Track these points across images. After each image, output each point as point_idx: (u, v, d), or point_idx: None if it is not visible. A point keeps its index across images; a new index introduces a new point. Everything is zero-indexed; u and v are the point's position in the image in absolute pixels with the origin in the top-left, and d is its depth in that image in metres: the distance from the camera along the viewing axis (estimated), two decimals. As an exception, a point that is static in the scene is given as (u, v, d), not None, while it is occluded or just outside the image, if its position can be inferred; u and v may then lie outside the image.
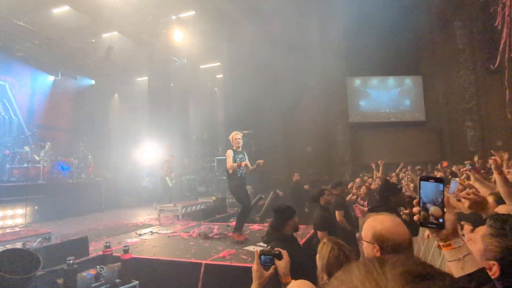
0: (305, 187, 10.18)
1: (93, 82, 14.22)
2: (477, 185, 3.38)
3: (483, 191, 3.23)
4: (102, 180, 10.20)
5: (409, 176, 6.63)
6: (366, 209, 5.51)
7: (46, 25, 11.00)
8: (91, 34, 12.40)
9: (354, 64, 15.48)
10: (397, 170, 8.89)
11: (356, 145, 15.47)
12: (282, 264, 1.62)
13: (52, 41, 11.31)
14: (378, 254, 1.39)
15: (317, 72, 13.95)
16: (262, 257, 1.60)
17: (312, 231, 4.65)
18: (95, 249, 4.61)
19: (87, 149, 10.94)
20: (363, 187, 6.83)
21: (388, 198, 3.47)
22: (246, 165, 5.24)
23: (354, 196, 6.42)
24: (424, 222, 1.03)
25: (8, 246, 3.75)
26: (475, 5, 12.22)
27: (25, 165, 8.89)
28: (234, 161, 5.10)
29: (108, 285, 3.55)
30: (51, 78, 12.88)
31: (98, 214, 8.91)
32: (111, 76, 13.95)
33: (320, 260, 1.86)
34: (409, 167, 8.39)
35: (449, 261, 1.04)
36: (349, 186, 6.85)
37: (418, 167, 10.17)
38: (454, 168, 7.79)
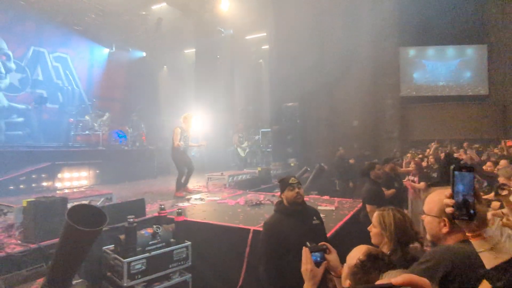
0: (350, 161, 9.98)
1: (144, 54, 14.76)
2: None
3: None
4: (154, 148, 10.81)
5: (467, 153, 6.20)
6: (418, 185, 5.29)
7: (101, -1, 11.47)
8: (141, 6, 12.72)
9: (409, 33, 14.30)
10: (448, 148, 8.34)
11: (406, 120, 14.63)
12: (332, 257, 1.56)
13: (106, 14, 11.82)
14: (446, 229, 1.34)
15: (367, 41, 13.11)
16: (313, 254, 1.53)
17: (360, 204, 4.59)
18: (150, 211, 4.95)
19: (140, 119, 11.57)
20: (412, 164, 6.54)
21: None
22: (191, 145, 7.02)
23: (408, 169, 6.18)
24: (457, 214, 0.99)
25: (79, 203, 4.18)
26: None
27: (87, 132, 9.69)
28: (181, 139, 6.64)
29: (163, 243, 3.81)
30: (106, 50, 13.59)
31: (151, 180, 9.53)
32: (161, 48, 14.36)
33: (384, 230, 1.82)
34: (465, 144, 7.81)
35: (479, 252, 1.01)
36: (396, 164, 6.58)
37: (477, 145, 9.45)
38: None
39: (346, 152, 10.74)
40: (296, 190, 2.70)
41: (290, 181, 2.75)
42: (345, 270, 1.38)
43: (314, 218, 2.80)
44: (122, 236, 3.61)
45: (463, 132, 12.50)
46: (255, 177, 8.21)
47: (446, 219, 1.32)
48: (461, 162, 3.53)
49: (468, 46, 15.27)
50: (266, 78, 14.86)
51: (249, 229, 3.91)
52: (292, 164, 11.19)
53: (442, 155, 6.66)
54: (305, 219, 2.73)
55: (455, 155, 6.03)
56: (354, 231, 4.11)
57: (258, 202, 5.42)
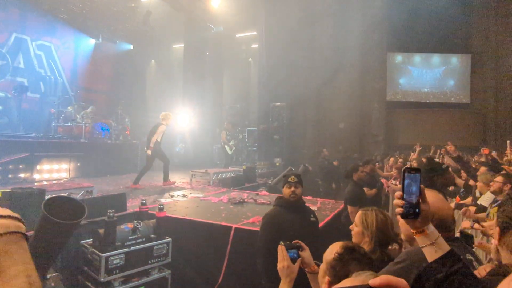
0: (334, 163, 10.08)
1: (131, 47, 14.50)
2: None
3: None
4: (138, 143, 10.64)
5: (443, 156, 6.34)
6: (395, 187, 5.39)
7: (89, -13, 11.20)
8: (130, -3, 12.50)
9: (397, 39, 14.60)
10: (431, 153, 8.52)
11: (391, 125, 14.92)
12: (306, 254, 1.63)
13: (94, 4, 11.54)
14: None
15: (356, 46, 13.31)
16: (289, 251, 1.59)
17: (342, 206, 4.64)
18: (131, 205, 4.87)
19: (124, 112, 11.37)
20: (394, 168, 6.66)
21: (432, 179, 3.31)
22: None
23: (390, 174, 6.29)
24: (405, 214, 1.04)
25: (57, 195, 4.07)
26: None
27: (69, 124, 9.44)
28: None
29: (143, 239, 3.76)
30: (92, 41, 13.28)
31: (134, 174, 9.32)
32: (149, 42, 14.13)
33: (365, 229, 1.84)
34: (443, 149, 7.97)
35: (422, 246, 1.06)
36: (378, 166, 6.70)
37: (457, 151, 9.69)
38: (493, 154, 7.35)
39: (331, 153, 10.85)
40: (293, 188, 2.91)
41: (289, 179, 2.96)
42: (322, 268, 1.40)
43: (312, 216, 3.04)
44: (101, 230, 3.54)
45: (445, 138, 12.75)
46: (239, 175, 8.20)
47: None
48: (443, 166, 3.61)
49: (452, 54, 15.69)
50: (255, 77, 14.86)
51: (231, 227, 3.90)
52: (277, 164, 11.24)
53: (424, 160, 6.81)
54: (303, 215, 2.96)
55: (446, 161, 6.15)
56: (335, 231, 4.15)
57: (241, 200, 5.41)
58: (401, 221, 1.46)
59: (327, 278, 1.28)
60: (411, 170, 1.04)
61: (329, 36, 12.67)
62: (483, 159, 6.75)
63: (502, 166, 4.49)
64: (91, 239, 3.63)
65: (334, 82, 13.66)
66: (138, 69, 14.53)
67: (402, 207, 1.04)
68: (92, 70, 13.16)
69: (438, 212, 1.38)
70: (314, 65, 12.97)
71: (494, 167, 4.44)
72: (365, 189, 4.58)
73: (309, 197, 6.14)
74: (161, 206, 4.03)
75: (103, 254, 3.28)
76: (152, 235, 3.86)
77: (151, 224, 3.94)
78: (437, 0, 12.46)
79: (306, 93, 13.08)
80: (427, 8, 12.60)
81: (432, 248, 1.04)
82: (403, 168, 1.06)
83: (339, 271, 1.24)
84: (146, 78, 15.37)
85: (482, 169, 4.26)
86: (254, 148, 13.07)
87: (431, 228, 1.06)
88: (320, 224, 4.15)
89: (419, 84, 15.89)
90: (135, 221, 3.81)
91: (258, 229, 3.86)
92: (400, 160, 7.92)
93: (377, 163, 7.37)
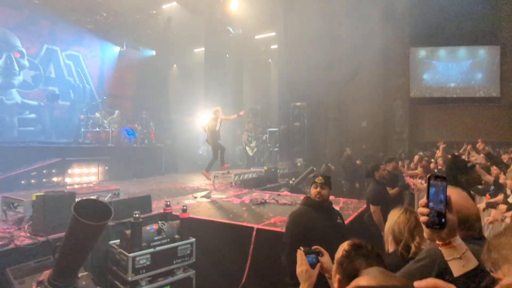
0: (358, 162, 9.93)
1: (154, 53, 14.91)
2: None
3: None
4: (162, 146, 10.92)
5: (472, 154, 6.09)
6: (420, 185, 5.25)
7: (112, -3, 11.64)
8: (152, 5, 12.86)
9: (419, 34, 14.11)
10: (461, 151, 8.18)
11: (416, 122, 14.47)
12: (325, 260, 1.62)
13: (117, 13, 11.99)
14: None
15: (378, 42, 12.99)
16: (308, 256, 1.60)
17: (365, 205, 4.58)
18: (156, 207, 5.01)
19: (149, 117, 11.71)
20: (419, 166, 6.47)
21: (456, 177, 3.19)
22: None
23: (415, 172, 6.13)
24: (430, 223, 1.00)
25: (85, 198, 4.27)
26: None
27: (97, 129, 9.84)
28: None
29: (168, 239, 3.85)
30: (117, 49, 13.77)
31: (159, 177, 9.64)
32: (170, 47, 14.49)
33: (388, 222, 1.86)
34: (469, 146, 7.64)
35: (448, 260, 1.02)
36: (403, 164, 6.52)
37: (486, 147, 9.29)
38: None
39: (354, 152, 10.69)
40: (318, 189, 2.92)
41: (316, 180, 2.97)
42: (334, 266, 1.41)
43: (338, 217, 3.04)
44: (128, 231, 3.66)
45: (474, 135, 12.27)
46: (261, 176, 8.24)
47: None
48: (468, 164, 3.46)
49: (480, 47, 15.00)
50: (275, 77, 14.87)
51: (253, 227, 3.94)
52: (299, 164, 11.18)
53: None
54: (330, 216, 2.97)
55: (472, 157, 5.91)
56: (358, 231, 4.10)
57: (263, 201, 5.45)
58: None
59: (337, 277, 1.30)
60: (436, 177, 1.01)
61: (349, 34, 12.47)
62: (514, 155, 6.45)
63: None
64: (119, 240, 3.76)
65: (356, 80, 13.43)
66: (161, 74, 14.92)
67: (427, 215, 1.01)
68: (117, 76, 13.66)
69: (461, 210, 1.35)
70: (334, 64, 12.80)
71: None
72: (387, 188, 4.49)
73: (331, 197, 6.07)
74: (185, 207, 4.12)
75: (130, 254, 3.40)
76: (177, 236, 3.95)
77: (175, 225, 4.03)
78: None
79: (327, 92, 12.94)
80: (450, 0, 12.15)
81: (460, 262, 0.99)
82: (428, 175, 1.03)
83: (347, 268, 1.25)
84: (169, 82, 15.75)
85: None
86: (276, 149, 13.07)
87: (458, 240, 1.01)
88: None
89: (445, 79, 15.31)
90: (159, 222, 3.91)
91: (279, 229, 3.89)
92: (426, 158, 7.70)
93: (400, 161, 7.18)
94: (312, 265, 1.57)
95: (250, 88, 16.10)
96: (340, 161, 10.09)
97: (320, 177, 3.00)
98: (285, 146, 12.46)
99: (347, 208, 5.05)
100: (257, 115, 14.66)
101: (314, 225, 2.77)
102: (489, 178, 4.55)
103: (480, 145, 5.64)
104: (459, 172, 3.20)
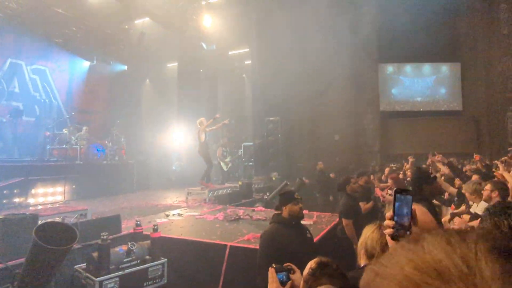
0: (331, 175, 10.09)
1: (125, 67, 14.68)
2: (507, 176, 3.23)
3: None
4: (134, 163, 10.64)
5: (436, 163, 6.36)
6: (389, 197, 5.40)
7: (82, 12, 11.41)
8: (124, 20, 12.74)
9: (387, 50, 14.85)
10: (428, 162, 8.53)
11: (386, 135, 15.02)
12: (296, 277, 1.61)
13: (88, 28, 11.76)
14: None
15: (348, 58, 13.52)
16: (279, 274, 1.59)
17: (338, 219, 4.63)
18: (126, 227, 4.83)
19: (120, 132, 11.41)
20: (389, 178, 6.66)
21: (421, 187, 3.32)
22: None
23: (386, 185, 6.29)
24: (395, 235, 1.01)
25: (49, 220, 4.04)
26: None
27: (64, 146, 9.45)
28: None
29: (138, 261, 3.72)
30: (87, 63, 13.45)
31: (130, 194, 9.34)
32: (143, 62, 14.33)
33: (360, 238, 1.89)
34: (435, 156, 8.02)
35: None
36: (374, 177, 6.71)
37: (451, 158, 9.74)
38: (479, 165, 7.34)
39: (328, 166, 10.87)
40: (300, 205, 2.91)
41: (296, 196, 2.95)
42: (301, 283, 1.42)
43: (308, 232, 3.03)
44: (95, 254, 3.50)
45: (440, 146, 12.88)
46: (236, 191, 8.17)
47: None
48: (431, 175, 3.62)
49: (442, 63, 15.96)
50: (249, 92, 15.00)
51: (226, 245, 3.87)
52: (274, 178, 11.21)
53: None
54: (301, 232, 2.95)
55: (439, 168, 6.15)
56: (331, 245, 4.13)
57: (237, 217, 5.39)
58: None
59: None
60: (402, 191, 1.02)
61: (321, 50, 12.87)
62: (474, 166, 6.79)
63: (495, 173, 4.51)
64: (85, 264, 3.58)
65: (328, 95, 13.82)
66: (133, 89, 14.67)
67: (392, 227, 1.02)
68: (87, 91, 13.28)
69: (419, 225, 1.39)
70: (307, 79, 13.13)
71: (486, 174, 4.46)
72: (361, 203, 4.56)
73: (305, 211, 6.12)
74: (156, 227, 4.00)
75: (97, 279, 3.24)
76: (147, 257, 3.82)
77: (146, 245, 3.90)
78: (424, 11, 12.78)
79: (300, 106, 13.20)
80: (415, 19, 12.88)
81: None
82: (394, 189, 1.06)
83: (311, 286, 1.26)
84: (141, 97, 15.50)
85: (474, 177, 4.27)
86: (251, 163, 13.07)
87: None
88: (316, 238, 4.14)
89: (412, 93, 16.09)
90: (129, 243, 3.77)
91: (253, 246, 3.84)
92: (396, 170, 7.94)
93: (372, 175, 7.37)
94: (283, 283, 1.56)
95: (224, 103, 16.14)
96: (314, 175, 10.21)
97: (297, 193, 3.01)
98: (260, 161, 12.49)
99: (321, 222, 5.09)
100: (232, 130, 14.66)
101: (288, 243, 2.75)
102: (453, 190, 4.74)
103: (437, 157, 5.91)
104: (423, 182, 3.34)
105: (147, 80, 15.96)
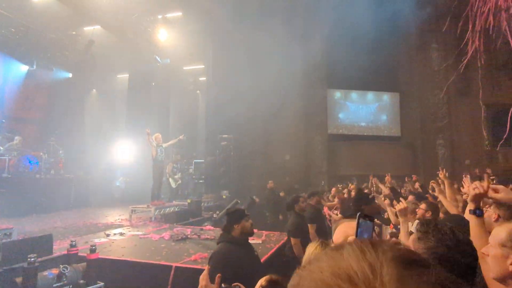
0: (281, 194, 10.22)
1: (70, 75, 13.76)
2: (441, 197, 3.54)
3: (446, 203, 3.40)
4: (72, 177, 9.82)
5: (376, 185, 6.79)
6: (338, 217, 5.58)
7: (25, 13, 10.57)
8: (71, 26, 12.03)
9: (336, 77, 15.83)
10: (370, 183, 9.06)
11: (333, 156, 15.73)
12: None
13: (29, 30, 10.89)
14: None
15: (300, 82, 14.16)
16: None
17: (286, 237, 4.64)
18: (59, 248, 4.40)
19: (58, 144, 10.52)
20: (336, 198, 6.93)
21: (360, 207, 3.50)
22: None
23: (332, 204, 6.51)
24: None
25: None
26: (451, 31, 12.78)
27: (-11, 156, 8.44)
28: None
29: (71, 286, 3.39)
30: (25, 67, 12.35)
31: (66, 212, 8.53)
32: (90, 71, 13.54)
33: (306, 257, 1.89)
34: (374, 178, 8.61)
35: None
36: (325, 196, 6.93)
37: (393, 181, 10.44)
38: (417, 185, 8.01)
39: (278, 185, 11.01)
40: (251, 221, 2.89)
41: (247, 213, 2.92)
42: None
43: (255, 250, 3.01)
44: (19, 279, 3.12)
45: (380, 168, 13.77)
46: (184, 210, 7.89)
47: None
48: (370, 196, 3.86)
49: (384, 92, 17.36)
50: (203, 109, 14.88)
51: (171, 266, 3.67)
52: (224, 197, 11.06)
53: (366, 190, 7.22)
54: (251, 250, 2.92)
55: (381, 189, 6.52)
56: (280, 264, 4.11)
57: (184, 237, 5.17)
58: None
59: None
60: (365, 216, 1.04)
61: (275, 73, 13.29)
62: (409, 186, 7.36)
63: (427, 195, 4.90)
64: (6, 290, 3.16)
65: (280, 116, 14.21)
66: (77, 99, 13.74)
67: None
68: (22, 98, 12.13)
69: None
70: (260, 99, 13.41)
71: (420, 195, 4.83)
72: (310, 225, 4.58)
73: (255, 230, 6.07)
74: (93, 247, 3.70)
75: (18, 308, 2.86)
76: (82, 281, 3.49)
77: (81, 268, 3.58)
78: (369, 43, 13.90)
79: (253, 126, 13.37)
80: (361, 49, 13.95)
81: None
82: (358, 214, 1.07)
83: None
84: (86, 108, 14.55)
85: (410, 197, 4.60)
86: (201, 181, 12.79)
87: None
88: (265, 257, 4.11)
89: (356, 118, 17.18)
90: (61, 266, 3.43)
91: (200, 267, 3.68)
92: (345, 190, 8.29)
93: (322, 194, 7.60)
94: None
95: (176, 119, 15.77)
96: (264, 194, 10.27)
97: (245, 210, 3.00)
98: (211, 178, 12.28)
99: (269, 241, 5.08)
100: (184, 146, 14.31)
101: (239, 262, 2.68)
102: (392, 210, 5.05)
103: (388, 179, 6.34)
104: (363, 203, 3.52)
105: (94, 90, 15.08)
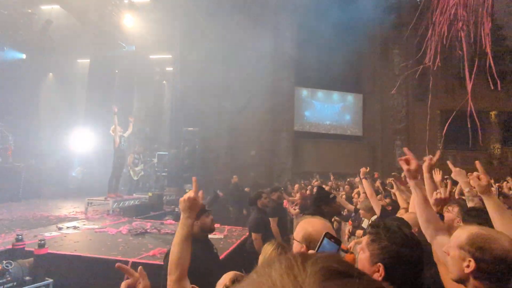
0: (246, 189, 10.23)
1: (23, 56, 12.76)
2: (397, 193, 3.72)
3: (401, 200, 3.57)
4: (22, 166, 9.15)
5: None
6: (295, 211, 5.72)
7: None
8: (27, 3, 11.14)
9: (303, 76, 16.11)
10: (331, 180, 9.35)
11: (298, 153, 16.03)
12: None
13: (-23, 4, 9.94)
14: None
15: (267, 79, 14.23)
16: None
17: (248, 233, 4.65)
18: (3, 242, 4.09)
19: (7, 130, 9.74)
20: (298, 194, 7.08)
21: (320, 208, 3.54)
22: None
23: (294, 199, 6.63)
24: None
25: None
26: (412, 38, 13.42)
27: None
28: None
29: (14, 283, 3.16)
30: (-29, 45, 11.28)
31: (14, 204, 7.95)
32: (47, 54, 12.63)
33: (261, 256, 1.88)
34: (332, 176, 8.93)
35: None
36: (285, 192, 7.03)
37: (351, 178, 10.85)
38: (377, 183, 8.41)
39: (243, 180, 11.02)
40: (211, 217, 2.75)
41: (207, 208, 2.75)
42: None
43: (214, 248, 2.86)
44: (-47, 276, 2.85)
45: (342, 166, 14.28)
46: (144, 203, 7.65)
47: (305, 246, 1.42)
48: (330, 195, 3.93)
49: (348, 93, 17.94)
50: (168, 100, 14.48)
51: (128, 261, 3.53)
52: (187, 190, 10.82)
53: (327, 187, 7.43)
54: (210, 247, 2.79)
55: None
56: (239, 259, 4.11)
57: (143, 231, 5.01)
58: (295, 244, 1.52)
59: None
60: (331, 237, 1.04)
61: (243, 67, 13.23)
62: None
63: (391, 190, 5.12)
64: None
65: (247, 111, 14.20)
66: (31, 82, 12.77)
67: None
68: (-33, 78, 11.08)
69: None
70: (228, 93, 13.31)
71: (379, 193, 5.04)
72: (271, 219, 4.64)
73: (217, 225, 6.03)
74: (42, 242, 3.48)
75: (-48, 307, 2.62)
76: (27, 278, 3.27)
77: (27, 264, 3.35)
78: (336, 45, 14.26)
79: (220, 119, 13.26)
80: (328, 50, 14.28)
81: None
82: (325, 232, 1.06)
83: None
84: (41, 93, 13.58)
85: (362, 196, 4.77)
86: (164, 173, 12.47)
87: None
88: (226, 252, 4.09)
89: (322, 117, 17.61)
90: (4, 262, 3.19)
91: (159, 262, 3.58)
92: (308, 187, 8.49)
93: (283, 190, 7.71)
94: None
95: (140, 109, 15.23)
96: (229, 188, 10.23)
97: (207, 205, 2.92)
98: (174, 171, 12.00)
99: (231, 236, 5.07)
100: (147, 137, 13.86)
101: (197, 260, 2.59)
102: (350, 207, 5.24)
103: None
104: (322, 203, 3.56)
105: (50, 74, 14.11)
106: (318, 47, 14.43)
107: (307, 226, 1.52)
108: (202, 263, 2.58)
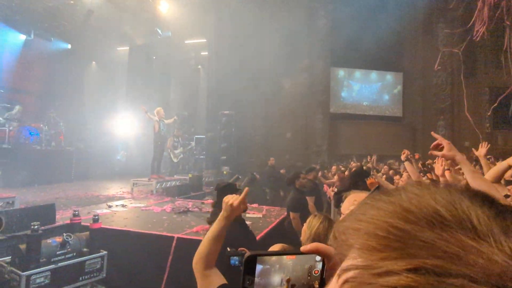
0: (282, 171, 10.27)
1: (69, 46, 13.47)
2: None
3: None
4: (73, 150, 9.83)
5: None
6: (329, 191, 5.68)
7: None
8: (70, -6, 11.67)
9: (339, 56, 15.51)
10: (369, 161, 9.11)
11: (334, 135, 15.69)
12: None
13: (26, -3, 10.56)
14: None
15: (303, 59, 13.90)
16: (232, 259, 1.57)
17: (286, 213, 4.70)
18: (62, 217, 4.45)
19: (58, 116, 10.45)
20: (336, 176, 6.99)
21: (356, 183, 3.53)
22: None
23: (332, 181, 6.58)
24: None
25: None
26: (459, 10, 12.39)
27: (-12, 126, 8.42)
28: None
29: (74, 254, 3.43)
30: (22, 37, 12.07)
31: (67, 184, 8.61)
32: (90, 42, 13.24)
33: (308, 230, 1.89)
34: (373, 157, 8.66)
35: None
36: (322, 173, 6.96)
37: (391, 160, 10.49)
38: (419, 164, 8.08)
39: (279, 162, 11.05)
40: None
41: (238, 187, 2.84)
42: None
43: (247, 225, 2.95)
44: (23, 246, 3.15)
45: (381, 149, 13.81)
46: (185, 184, 7.95)
47: None
48: (371, 175, 3.88)
49: (387, 72, 17.07)
50: (204, 84, 14.69)
51: (173, 237, 3.72)
52: (225, 172, 11.12)
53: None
54: (244, 225, 2.85)
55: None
56: (279, 237, 4.17)
57: (185, 209, 5.22)
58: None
59: None
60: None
61: (278, 49, 13.01)
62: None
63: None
64: (10, 256, 3.20)
65: (282, 93, 14.05)
66: (76, 70, 13.51)
67: None
68: (20, 68, 11.91)
69: None
70: (262, 76, 13.21)
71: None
72: (308, 198, 4.68)
73: (255, 205, 6.15)
74: (96, 217, 3.72)
75: (24, 273, 2.92)
76: (85, 249, 3.54)
77: (84, 237, 3.62)
78: (375, 21, 13.55)
79: (255, 102, 13.25)
80: (366, 28, 13.61)
81: None
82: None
83: None
84: (85, 80, 14.34)
85: (405, 176, 4.62)
86: (202, 156, 12.82)
87: None
88: (265, 231, 4.16)
89: (359, 98, 17.00)
90: (64, 234, 3.46)
91: (202, 238, 3.73)
92: (342, 169, 8.35)
93: (320, 171, 7.66)
94: (235, 268, 1.52)
95: (177, 93, 15.62)
96: (265, 170, 10.32)
97: (239, 183, 2.99)
98: (211, 154, 12.30)
99: (270, 215, 5.14)
100: (185, 121, 14.25)
101: (232, 239, 2.69)
102: (392, 187, 5.09)
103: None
104: (359, 179, 3.56)
105: (93, 62, 14.82)
106: (354, 24, 13.77)
107: (357, 198, 1.53)
108: (238, 241, 2.64)
